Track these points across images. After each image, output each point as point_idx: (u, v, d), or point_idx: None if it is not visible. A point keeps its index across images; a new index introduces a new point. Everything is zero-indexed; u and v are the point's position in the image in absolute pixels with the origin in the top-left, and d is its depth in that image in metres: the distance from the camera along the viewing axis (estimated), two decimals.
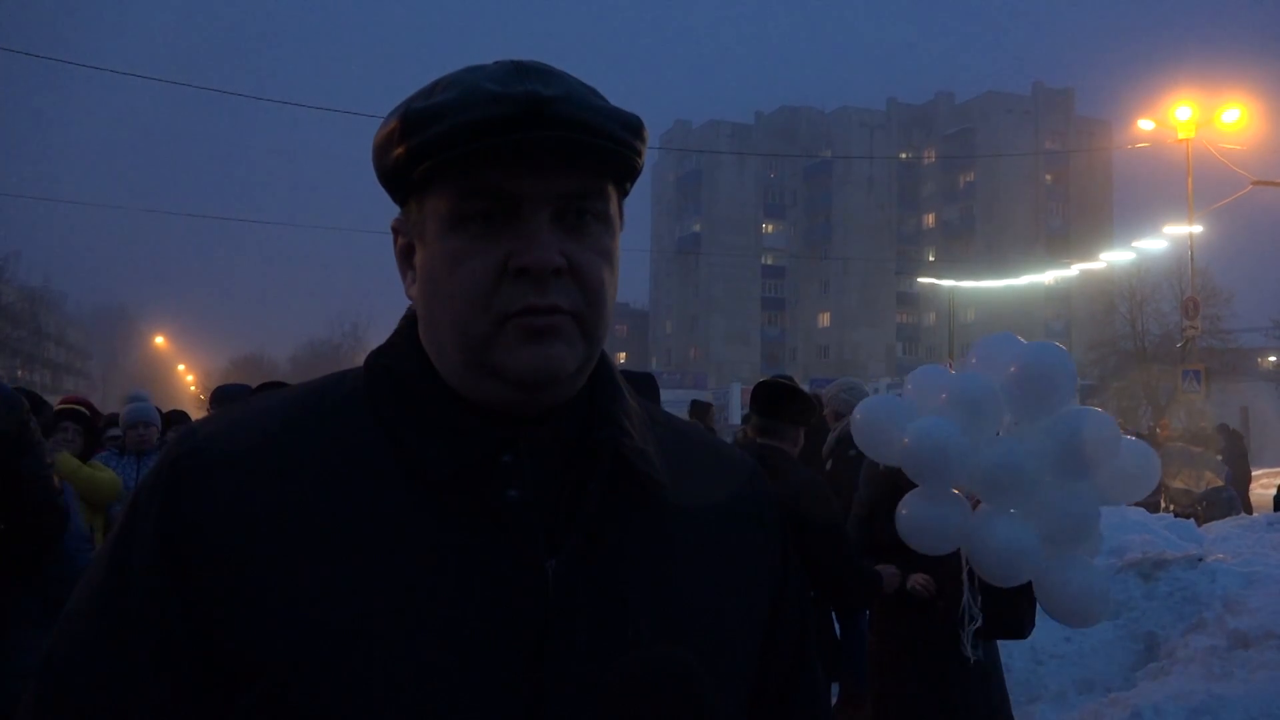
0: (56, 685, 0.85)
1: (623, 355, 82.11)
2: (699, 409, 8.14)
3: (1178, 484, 11.91)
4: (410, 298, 0.94)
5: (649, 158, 0.93)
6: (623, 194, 0.95)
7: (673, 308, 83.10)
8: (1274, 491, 11.50)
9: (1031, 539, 3.01)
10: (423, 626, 0.83)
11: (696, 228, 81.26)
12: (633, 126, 0.89)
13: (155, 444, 5.57)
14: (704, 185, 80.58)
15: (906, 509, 3.25)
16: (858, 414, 3.50)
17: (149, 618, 0.84)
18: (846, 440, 5.90)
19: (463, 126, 0.83)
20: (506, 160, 0.85)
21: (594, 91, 0.89)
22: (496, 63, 0.90)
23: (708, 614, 0.94)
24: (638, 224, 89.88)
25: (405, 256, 0.94)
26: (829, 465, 5.87)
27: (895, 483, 4.04)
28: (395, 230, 0.95)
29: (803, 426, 4.08)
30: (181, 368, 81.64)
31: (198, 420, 1.09)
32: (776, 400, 3.92)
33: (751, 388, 4.23)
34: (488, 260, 0.86)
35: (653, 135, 0.91)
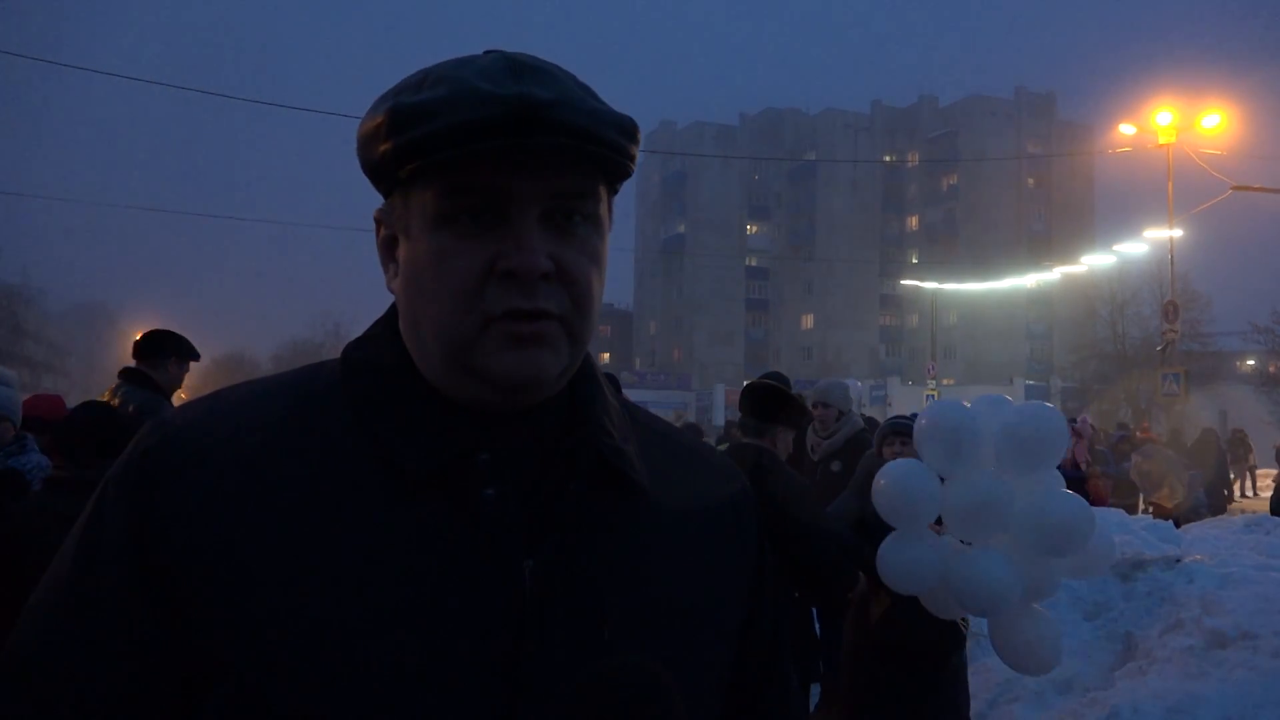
0: (20, 676, 0.83)
1: (606, 355, 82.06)
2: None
3: (1158, 499, 11.77)
4: (391, 291, 0.92)
5: None
6: (613, 193, 0.93)
7: (657, 309, 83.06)
8: (1271, 494, 11.42)
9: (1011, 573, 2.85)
10: (397, 626, 0.81)
11: (681, 229, 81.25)
12: (626, 129, 0.87)
13: (8, 440, 4.35)
14: (688, 186, 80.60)
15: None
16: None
17: (116, 611, 0.82)
18: (831, 455, 5.89)
19: (453, 128, 0.81)
20: (497, 161, 0.83)
21: (589, 92, 0.87)
22: (488, 54, 0.87)
23: (683, 617, 0.93)
24: (622, 225, 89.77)
25: (387, 248, 0.91)
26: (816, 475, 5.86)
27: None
28: (378, 221, 0.92)
29: (793, 431, 4.06)
30: None
31: (170, 409, 1.05)
32: (769, 403, 3.93)
33: (741, 389, 4.21)
34: (474, 260, 0.84)
35: None
